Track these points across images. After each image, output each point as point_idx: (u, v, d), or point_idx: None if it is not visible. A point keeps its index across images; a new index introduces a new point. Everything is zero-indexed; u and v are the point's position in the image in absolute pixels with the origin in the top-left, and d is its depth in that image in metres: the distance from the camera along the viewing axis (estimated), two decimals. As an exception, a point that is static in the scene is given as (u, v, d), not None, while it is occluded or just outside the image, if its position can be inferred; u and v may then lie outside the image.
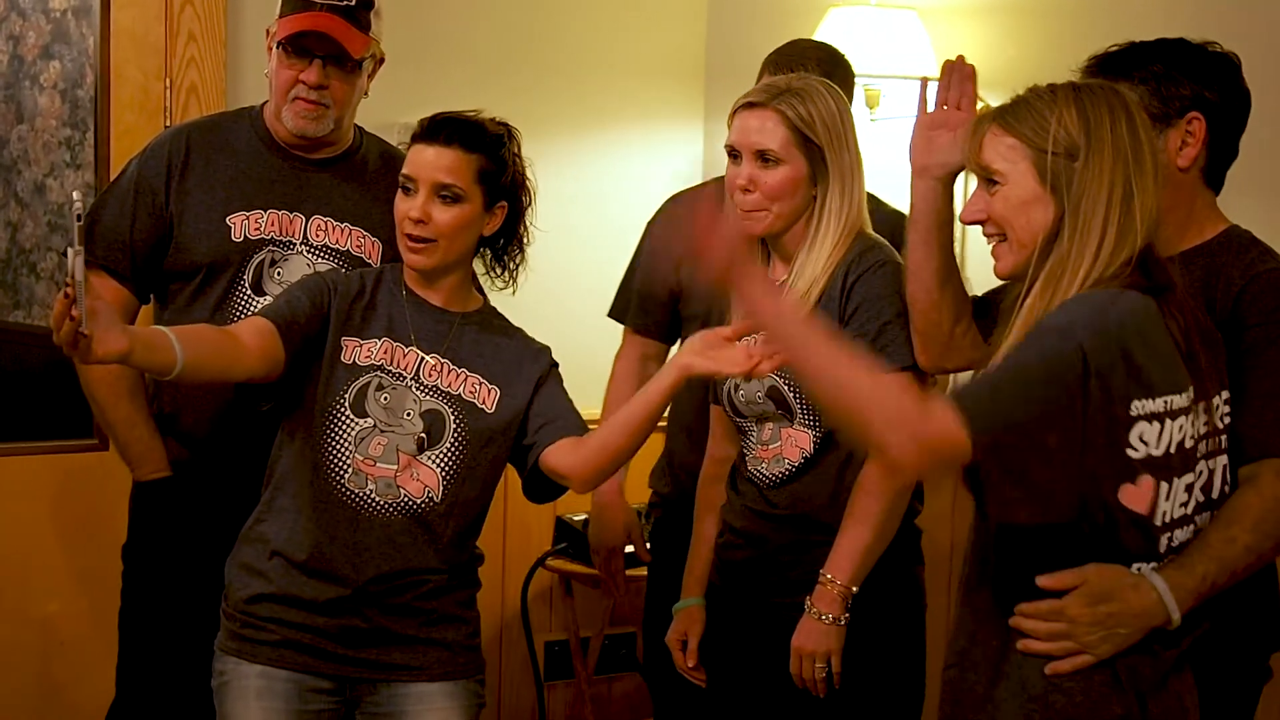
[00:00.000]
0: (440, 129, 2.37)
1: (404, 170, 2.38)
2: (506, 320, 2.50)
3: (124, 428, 2.66)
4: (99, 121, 3.28)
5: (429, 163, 2.35)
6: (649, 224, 3.01)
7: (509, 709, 3.82)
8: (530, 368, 2.43)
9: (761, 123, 2.44)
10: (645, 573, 3.16)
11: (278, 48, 2.58)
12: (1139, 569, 1.89)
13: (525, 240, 2.48)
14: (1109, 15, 3.23)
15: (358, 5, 2.59)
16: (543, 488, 2.44)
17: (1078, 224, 1.88)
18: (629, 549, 3.13)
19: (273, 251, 2.62)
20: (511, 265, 2.48)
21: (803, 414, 2.51)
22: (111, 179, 2.80)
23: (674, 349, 2.97)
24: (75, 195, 1.97)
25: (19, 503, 3.25)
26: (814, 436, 2.50)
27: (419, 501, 2.36)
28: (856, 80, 3.41)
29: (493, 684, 3.71)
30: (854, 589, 2.43)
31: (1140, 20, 3.09)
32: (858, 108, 3.47)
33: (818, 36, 3.43)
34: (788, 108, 2.44)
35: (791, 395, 2.50)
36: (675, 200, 3.00)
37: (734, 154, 2.48)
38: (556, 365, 2.47)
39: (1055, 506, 1.85)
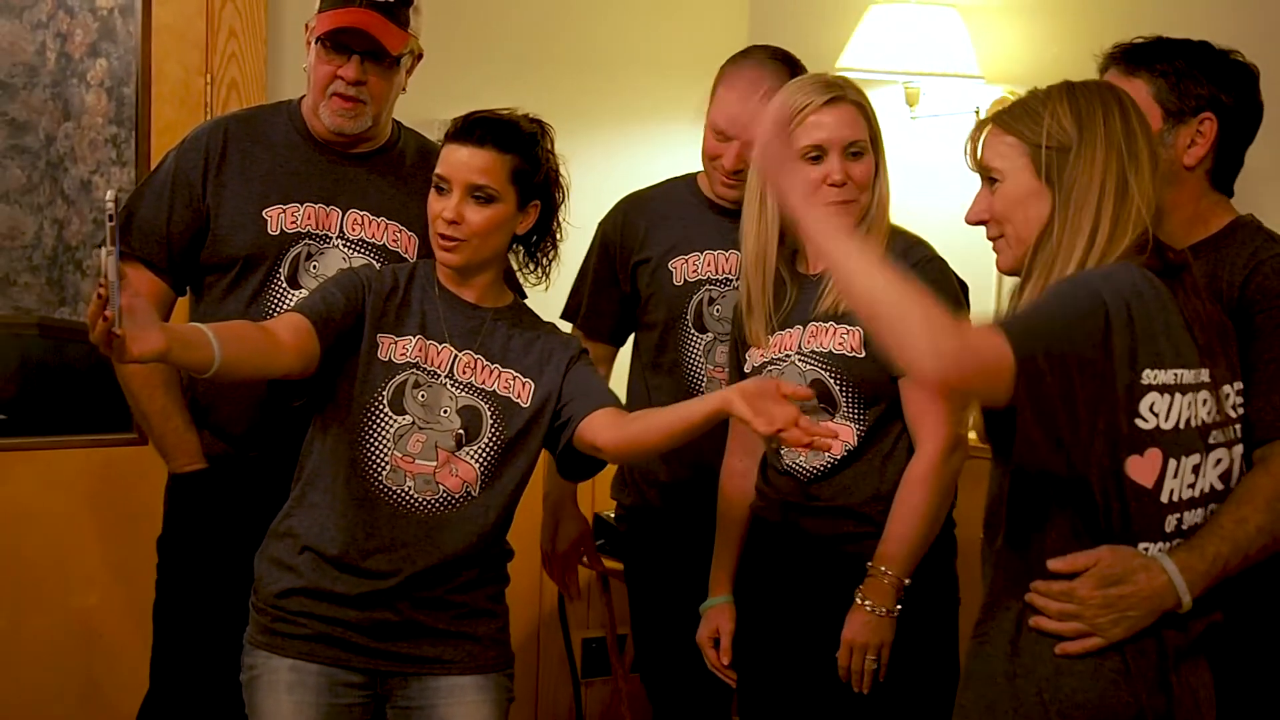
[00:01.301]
0: (474, 129, 2.37)
1: (438, 170, 2.38)
2: (536, 316, 2.50)
3: (159, 419, 2.67)
4: (140, 117, 3.30)
5: (463, 163, 2.35)
6: (600, 224, 2.97)
7: (546, 706, 3.82)
8: (560, 355, 2.43)
9: (848, 116, 2.50)
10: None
11: (316, 43, 2.59)
12: (1146, 549, 1.90)
13: (559, 237, 2.49)
14: (1152, 13, 3.18)
15: (397, 2, 2.58)
16: (578, 465, 2.45)
17: (1069, 213, 1.92)
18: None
19: (309, 245, 2.62)
20: (545, 261, 2.49)
21: (847, 407, 2.52)
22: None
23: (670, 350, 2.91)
24: (109, 195, 1.97)
25: (59, 495, 3.28)
26: (858, 430, 2.52)
27: (457, 496, 2.37)
28: (897, 78, 3.42)
29: (530, 681, 3.72)
30: (906, 581, 2.45)
31: (1183, 21, 3.09)
32: (899, 106, 3.48)
33: (858, 33, 3.44)
34: (861, 99, 2.52)
35: (837, 389, 2.52)
36: (629, 200, 2.98)
37: (817, 155, 2.50)
38: (586, 351, 2.48)
39: (1071, 462, 1.85)
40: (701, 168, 2.89)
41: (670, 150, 3.65)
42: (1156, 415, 1.87)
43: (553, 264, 2.50)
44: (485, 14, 3.56)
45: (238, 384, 2.58)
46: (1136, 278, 1.86)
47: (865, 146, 2.51)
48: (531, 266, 2.50)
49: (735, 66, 2.79)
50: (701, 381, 2.85)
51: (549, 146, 2.43)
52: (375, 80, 2.58)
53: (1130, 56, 2.27)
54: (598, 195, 3.43)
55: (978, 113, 3.43)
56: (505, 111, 2.42)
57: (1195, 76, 2.22)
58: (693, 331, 2.85)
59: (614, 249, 2.92)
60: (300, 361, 2.29)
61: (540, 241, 2.48)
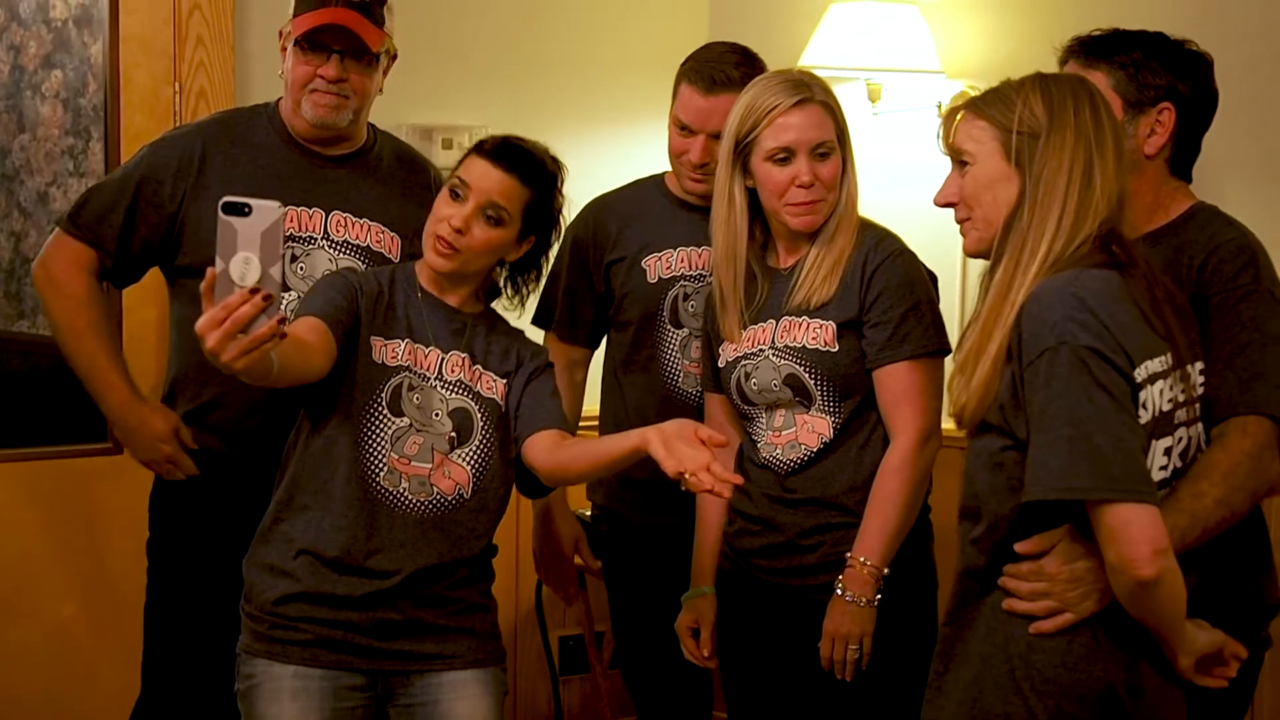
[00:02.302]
0: (508, 153, 2.42)
1: (460, 174, 2.41)
2: (509, 323, 2.56)
3: (85, 362, 2.68)
4: (109, 126, 3.29)
5: (488, 179, 2.39)
6: (568, 229, 2.92)
7: (525, 704, 3.83)
8: (528, 365, 2.48)
9: (815, 117, 2.52)
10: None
11: (294, 45, 2.60)
12: None
13: (542, 272, 2.57)
14: (1107, 9, 3.24)
15: (373, 0, 2.61)
16: (529, 483, 2.50)
17: (1038, 197, 1.96)
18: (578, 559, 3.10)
19: (293, 246, 2.63)
20: (524, 291, 2.56)
21: (822, 399, 2.55)
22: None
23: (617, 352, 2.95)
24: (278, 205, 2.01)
25: (31, 508, 3.27)
26: (833, 422, 2.55)
27: (450, 498, 2.40)
28: (859, 75, 3.45)
29: (508, 679, 3.72)
30: (885, 570, 2.47)
31: (1135, 15, 3.13)
32: (861, 102, 3.52)
33: (819, 31, 3.46)
34: (827, 98, 2.54)
35: (812, 383, 2.54)
36: (597, 204, 2.99)
37: (785, 156, 2.52)
38: (551, 365, 2.52)
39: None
40: (669, 166, 2.90)
41: (636, 149, 3.67)
42: (1148, 409, 1.92)
43: (530, 294, 2.57)
44: (452, 18, 3.58)
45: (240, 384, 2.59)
46: (1087, 287, 1.89)
47: (832, 146, 2.54)
48: (510, 292, 2.56)
49: (695, 61, 2.81)
50: (678, 376, 2.87)
51: (560, 187, 2.49)
52: (356, 77, 2.61)
53: (1089, 49, 2.33)
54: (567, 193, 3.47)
55: (939, 107, 3.48)
56: (539, 145, 2.47)
57: (1153, 67, 2.28)
58: (669, 327, 2.87)
59: (586, 251, 2.93)
60: (329, 363, 2.32)
61: (525, 273, 2.54)
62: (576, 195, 3.02)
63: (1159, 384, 1.93)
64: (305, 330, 2.30)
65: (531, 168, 2.43)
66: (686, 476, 2.10)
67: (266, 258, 1.98)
